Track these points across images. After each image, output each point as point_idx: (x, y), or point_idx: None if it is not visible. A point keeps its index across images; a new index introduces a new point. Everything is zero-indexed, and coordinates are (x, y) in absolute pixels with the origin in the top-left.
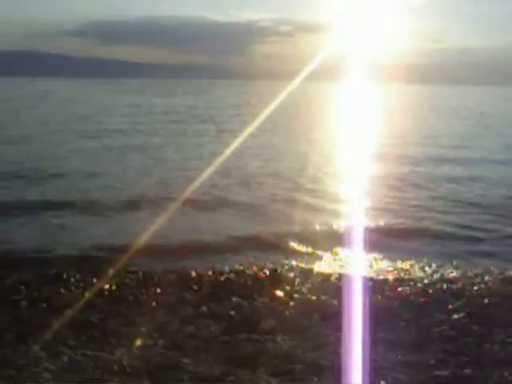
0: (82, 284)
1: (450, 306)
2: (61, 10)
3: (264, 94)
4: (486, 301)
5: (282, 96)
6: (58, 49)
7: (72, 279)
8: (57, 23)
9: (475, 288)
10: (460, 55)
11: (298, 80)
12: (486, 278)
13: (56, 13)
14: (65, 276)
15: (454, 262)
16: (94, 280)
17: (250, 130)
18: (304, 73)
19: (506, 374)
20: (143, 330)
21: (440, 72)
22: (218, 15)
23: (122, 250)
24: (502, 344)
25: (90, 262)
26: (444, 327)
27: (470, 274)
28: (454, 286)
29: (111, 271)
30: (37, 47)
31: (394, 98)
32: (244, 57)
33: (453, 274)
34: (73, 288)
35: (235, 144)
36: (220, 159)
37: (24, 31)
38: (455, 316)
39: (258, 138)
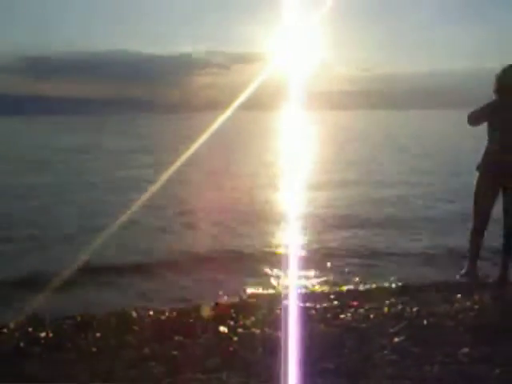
0: (16, 333)
1: (391, 330)
2: None
3: (199, 126)
4: (425, 322)
5: (216, 127)
6: None
7: (5, 330)
8: None
9: (414, 309)
10: (387, 82)
11: (232, 110)
12: (426, 296)
13: None
14: None
15: (394, 284)
16: (30, 329)
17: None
18: (239, 103)
19: None
20: (84, 378)
21: (370, 98)
22: (153, 49)
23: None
24: (441, 364)
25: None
26: (385, 352)
27: (410, 294)
28: (394, 309)
29: (48, 317)
30: None
31: (332, 125)
32: (180, 89)
33: (393, 296)
34: (6, 338)
35: None
36: None
37: None
38: (396, 339)
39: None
